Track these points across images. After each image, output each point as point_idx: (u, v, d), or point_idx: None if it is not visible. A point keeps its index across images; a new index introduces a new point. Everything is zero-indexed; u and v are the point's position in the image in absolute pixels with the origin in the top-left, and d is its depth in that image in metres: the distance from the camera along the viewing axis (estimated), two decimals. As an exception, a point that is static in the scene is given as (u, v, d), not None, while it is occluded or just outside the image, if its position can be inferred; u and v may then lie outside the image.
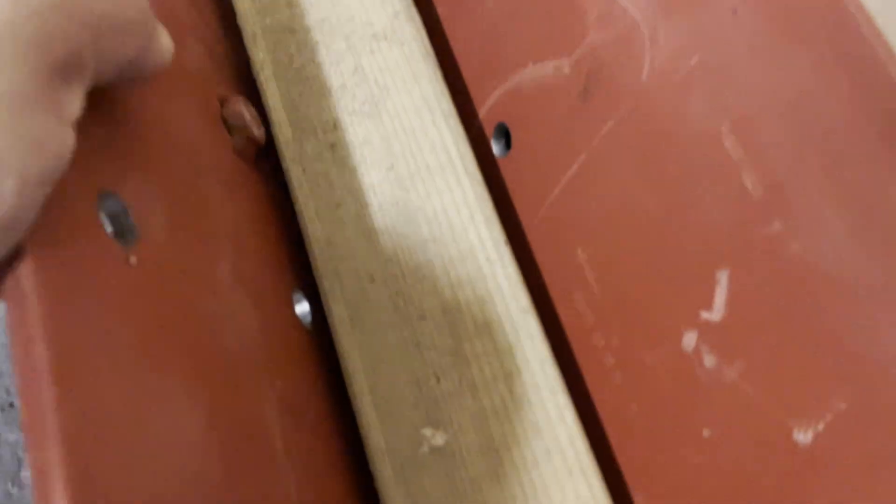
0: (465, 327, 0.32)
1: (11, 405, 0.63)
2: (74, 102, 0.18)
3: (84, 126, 0.18)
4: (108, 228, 0.20)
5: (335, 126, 0.38)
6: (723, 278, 0.25)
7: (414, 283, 0.34)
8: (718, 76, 0.26)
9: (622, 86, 0.30)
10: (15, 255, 0.16)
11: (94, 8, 0.18)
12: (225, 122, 0.35)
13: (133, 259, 0.20)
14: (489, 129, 0.40)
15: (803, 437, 0.23)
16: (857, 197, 0.22)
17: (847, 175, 0.22)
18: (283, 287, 0.33)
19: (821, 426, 0.22)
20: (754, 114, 0.25)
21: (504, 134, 0.40)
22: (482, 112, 0.41)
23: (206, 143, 0.31)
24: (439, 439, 0.30)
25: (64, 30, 0.17)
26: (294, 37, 0.41)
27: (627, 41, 0.31)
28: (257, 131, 0.35)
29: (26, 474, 0.62)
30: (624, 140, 0.30)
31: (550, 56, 0.38)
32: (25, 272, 0.16)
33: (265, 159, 0.38)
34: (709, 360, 0.26)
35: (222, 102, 0.35)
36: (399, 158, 0.36)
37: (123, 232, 0.21)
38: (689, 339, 0.27)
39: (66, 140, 0.17)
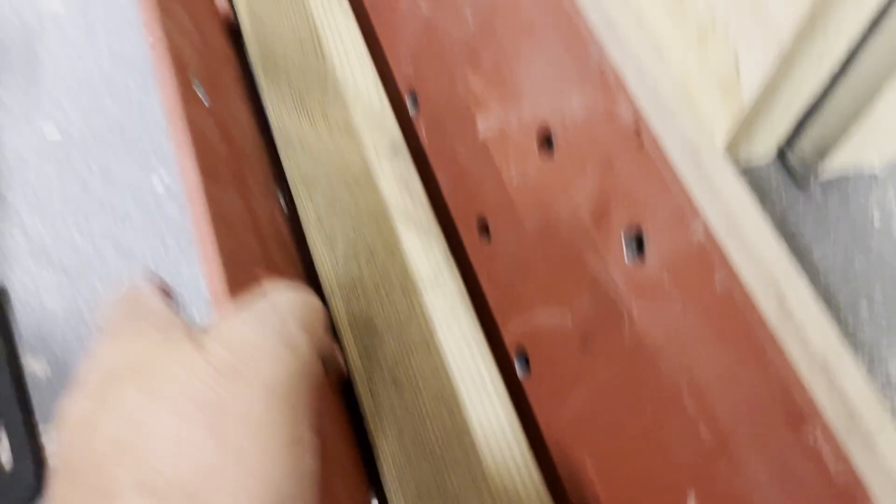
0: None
1: None
2: None
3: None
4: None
5: (396, 363, 0.50)
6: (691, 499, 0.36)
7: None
8: (678, 351, 0.38)
9: (610, 343, 0.42)
10: None
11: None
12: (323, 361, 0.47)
13: None
14: (512, 353, 0.52)
15: None
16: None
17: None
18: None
19: None
20: (709, 383, 0.36)
21: (524, 358, 0.52)
22: (507, 338, 0.53)
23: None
24: None
25: None
26: (363, 291, 0.54)
27: (613, 311, 0.43)
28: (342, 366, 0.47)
29: None
30: (612, 383, 0.42)
31: (555, 303, 0.50)
32: None
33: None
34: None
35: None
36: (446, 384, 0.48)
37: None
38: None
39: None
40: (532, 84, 0.66)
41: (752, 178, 0.92)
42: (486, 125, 0.73)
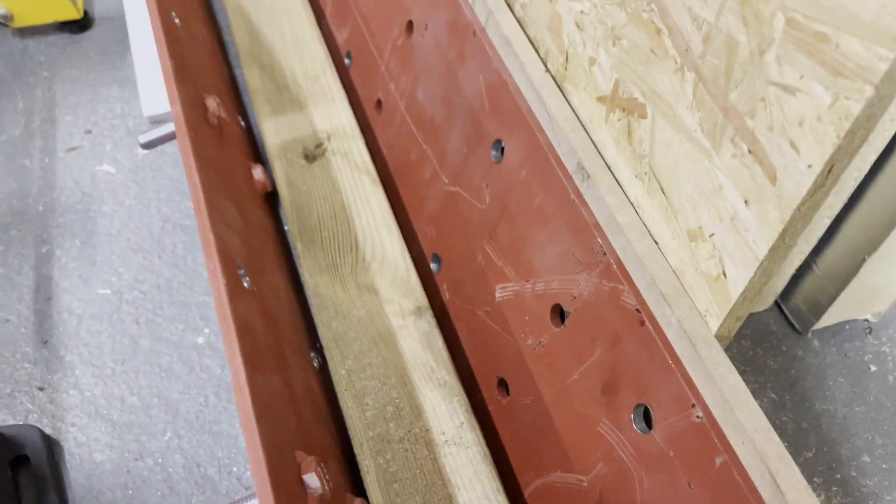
0: None
1: None
2: None
3: None
4: None
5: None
6: None
7: None
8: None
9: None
10: None
11: None
12: None
13: None
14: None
15: None
16: None
17: None
18: None
19: None
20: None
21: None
22: (527, 495, 0.58)
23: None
24: None
25: None
26: (390, 446, 0.59)
27: (626, 477, 0.48)
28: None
29: None
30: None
31: (572, 464, 0.55)
32: None
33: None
34: None
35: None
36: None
37: None
38: None
39: None
40: (544, 262, 0.74)
41: (754, 323, 1.00)
42: (503, 293, 0.81)
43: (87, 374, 0.91)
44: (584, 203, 0.69)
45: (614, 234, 0.66)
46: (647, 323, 0.61)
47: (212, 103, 0.90)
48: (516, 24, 0.81)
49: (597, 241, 0.67)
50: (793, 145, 0.47)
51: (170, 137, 0.99)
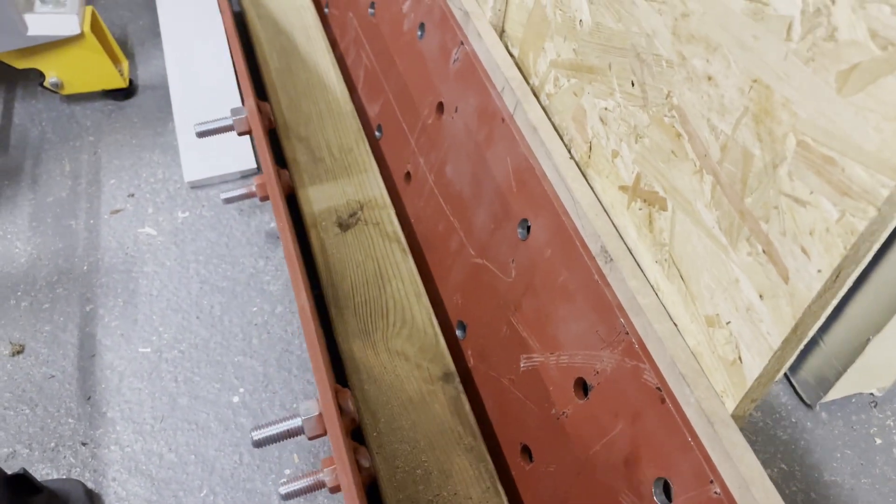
0: None
1: None
2: None
3: None
4: None
5: None
6: None
7: None
8: None
9: None
10: None
11: None
12: None
13: None
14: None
15: None
16: None
17: None
18: None
19: None
20: None
21: None
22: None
23: None
24: None
25: None
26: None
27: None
28: None
29: None
30: None
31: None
32: None
33: None
34: None
35: None
36: None
37: None
38: None
39: None
40: (568, 336, 0.79)
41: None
42: (527, 363, 0.86)
43: (128, 431, 0.96)
44: (608, 284, 0.74)
45: (636, 314, 0.71)
46: (667, 401, 0.65)
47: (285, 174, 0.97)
48: (542, 112, 0.88)
49: (619, 321, 0.72)
50: (804, 251, 0.52)
51: (246, 196, 1.08)
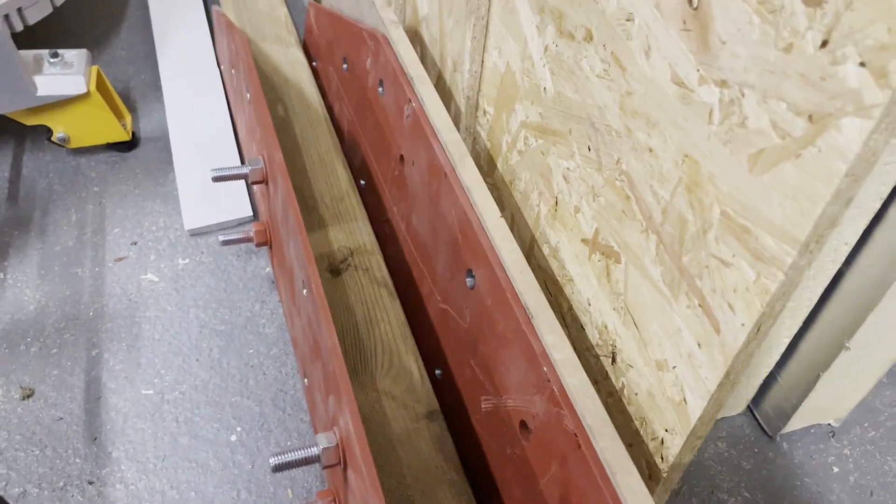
0: None
1: None
2: None
3: None
4: None
5: None
6: None
7: None
8: None
9: None
10: None
11: None
12: None
13: None
14: None
15: None
16: None
17: None
18: None
19: None
20: None
21: None
22: None
23: None
24: None
25: None
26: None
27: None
28: None
29: None
30: None
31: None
32: None
33: None
34: None
35: None
36: None
37: None
38: None
39: None
40: (511, 381, 0.86)
41: (728, 426, 1.11)
42: (486, 404, 0.92)
43: (132, 469, 1.02)
44: (535, 335, 0.80)
45: (552, 367, 0.77)
46: (582, 447, 0.70)
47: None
48: (477, 172, 0.95)
49: (543, 370, 0.78)
50: (730, 307, 0.59)
51: (244, 240, 1.15)
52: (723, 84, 0.55)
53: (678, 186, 0.64)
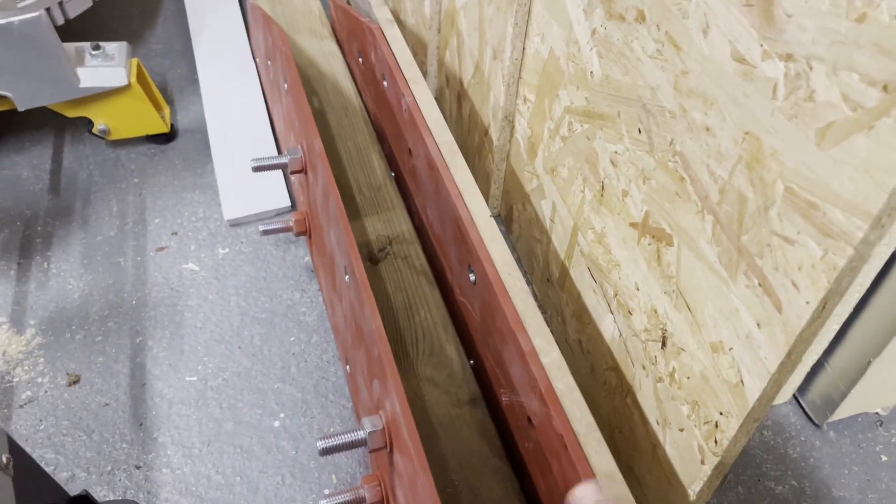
0: None
1: None
2: None
3: None
4: None
5: None
6: None
7: None
8: None
9: None
10: None
11: None
12: None
13: None
14: None
15: None
16: None
17: None
18: None
19: None
20: None
21: None
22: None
23: None
24: None
25: None
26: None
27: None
28: None
29: None
30: None
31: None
32: None
33: None
34: None
35: None
36: None
37: None
38: None
39: None
40: (514, 377, 0.86)
41: (774, 415, 1.10)
42: (505, 397, 0.92)
43: (178, 454, 1.03)
44: (523, 333, 0.80)
45: (540, 369, 0.77)
46: (569, 449, 0.70)
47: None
48: (468, 172, 0.96)
49: (532, 370, 0.78)
50: (794, 285, 0.58)
51: (283, 230, 1.16)
52: (788, 58, 0.55)
53: (738, 164, 0.63)
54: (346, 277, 0.99)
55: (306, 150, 1.14)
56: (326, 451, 0.84)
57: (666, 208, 0.76)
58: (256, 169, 1.13)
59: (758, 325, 0.63)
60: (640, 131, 0.78)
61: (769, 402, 0.66)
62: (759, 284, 0.62)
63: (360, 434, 0.85)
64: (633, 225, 0.83)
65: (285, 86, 1.28)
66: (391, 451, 0.84)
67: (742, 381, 0.67)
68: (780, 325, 0.61)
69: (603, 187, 0.89)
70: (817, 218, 0.55)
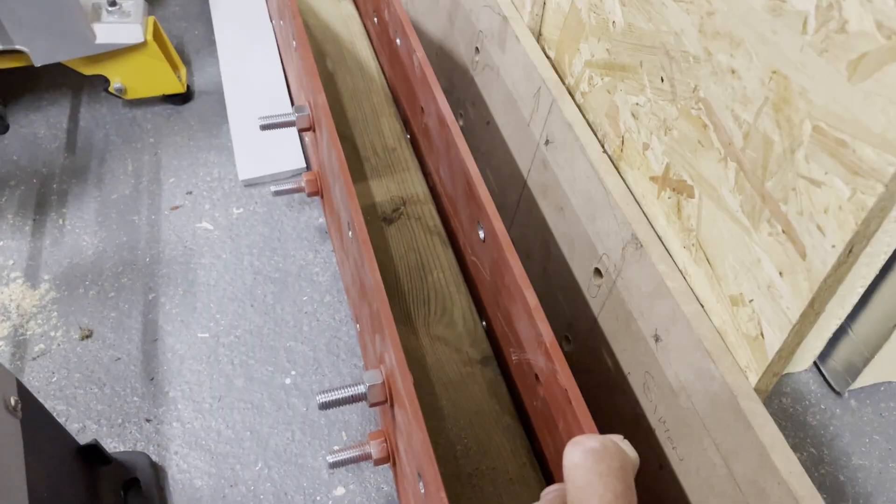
0: None
1: None
2: None
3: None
4: None
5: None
6: None
7: None
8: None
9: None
10: None
11: None
12: None
13: None
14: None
15: None
16: None
17: None
18: None
19: None
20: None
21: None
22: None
23: None
24: None
25: None
26: (458, 482, 0.68)
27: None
28: None
29: None
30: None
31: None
32: None
33: None
34: None
35: None
36: None
37: None
38: None
39: None
40: (521, 335, 0.84)
41: (794, 382, 1.08)
42: (514, 356, 0.90)
43: (189, 409, 1.03)
44: (529, 287, 0.78)
45: (663, 298, 0.76)
46: (573, 403, 0.68)
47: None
48: (578, 108, 0.93)
49: (538, 326, 0.76)
50: (819, 228, 0.56)
51: (295, 190, 1.15)
52: (821, -12, 0.52)
53: (764, 106, 0.60)
54: (350, 233, 0.97)
55: (313, 105, 1.13)
56: (326, 406, 0.83)
57: (687, 158, 0.73)
58: (264, 127, 1.12)
59: (780, 273, 0.61)
60: (662, 80, 0.76)
61: (790, 355, 0.64)
62: (783, 231, 0.60)
63: (361, 388, 0.83)
64: (653, 179, 0.81)
65: (293, 43, 1.26)
66: (392, 405, 0.83)
67: (762, 334, 0.65)
68: (804, 272, 0.58)
69: (623, 142, 0.87)
70: (846, 156, 0.53)
